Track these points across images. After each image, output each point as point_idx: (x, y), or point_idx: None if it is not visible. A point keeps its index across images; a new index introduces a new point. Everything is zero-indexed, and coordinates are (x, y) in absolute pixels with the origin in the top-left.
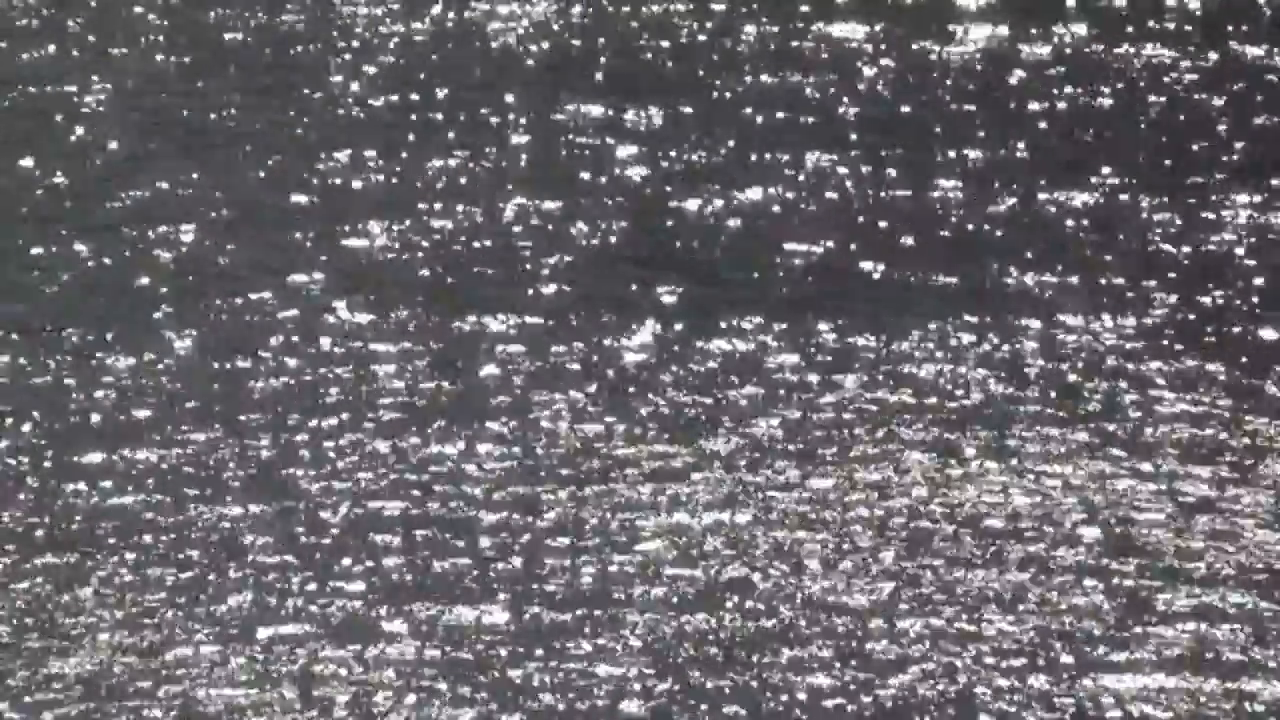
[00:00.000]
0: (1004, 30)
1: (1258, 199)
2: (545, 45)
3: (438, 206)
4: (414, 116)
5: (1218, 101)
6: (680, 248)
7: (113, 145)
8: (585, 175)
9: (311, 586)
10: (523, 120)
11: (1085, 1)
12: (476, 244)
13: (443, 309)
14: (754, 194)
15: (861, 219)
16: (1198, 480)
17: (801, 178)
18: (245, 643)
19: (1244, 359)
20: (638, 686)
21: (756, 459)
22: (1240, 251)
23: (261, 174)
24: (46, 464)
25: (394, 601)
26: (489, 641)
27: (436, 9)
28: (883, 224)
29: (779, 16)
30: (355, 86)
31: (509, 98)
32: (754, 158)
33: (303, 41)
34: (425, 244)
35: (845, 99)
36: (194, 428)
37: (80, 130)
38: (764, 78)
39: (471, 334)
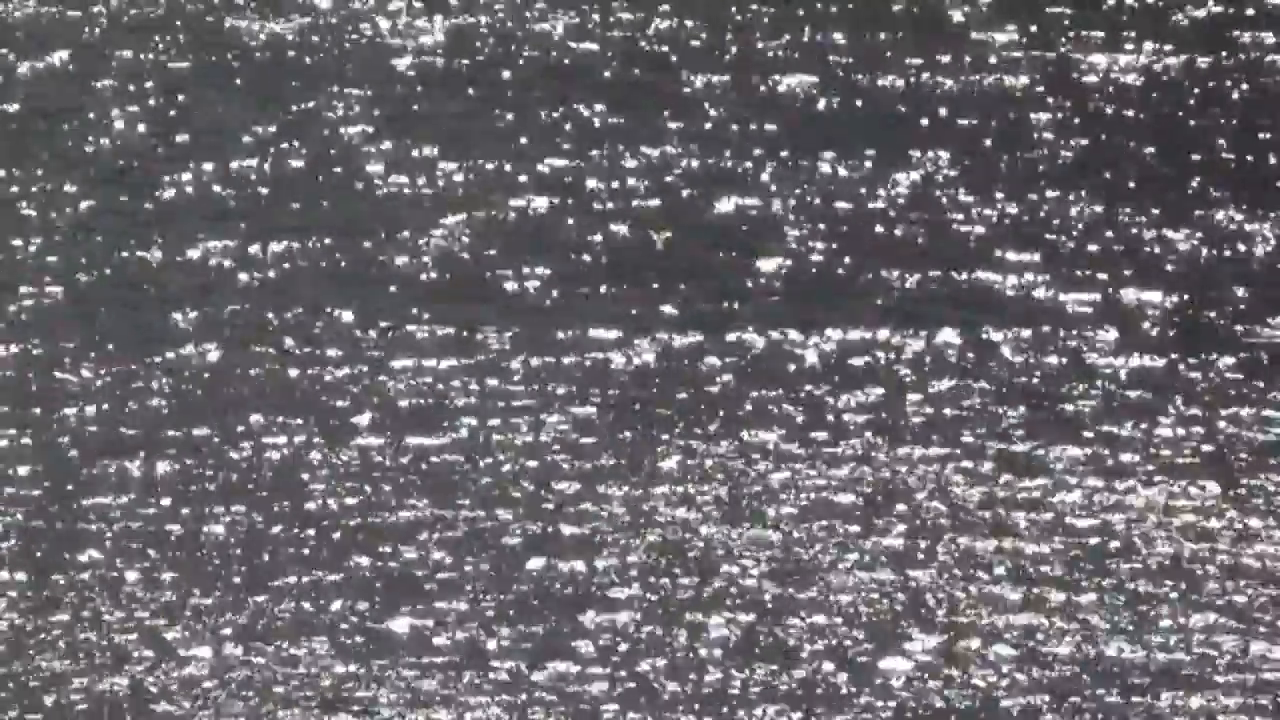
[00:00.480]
0: (1004, 37)
1: (1259, 205)
2: (554, 52)
3: (446, 213)
4: (422, 123)
5: (1218, 107)
6: (688, 254)
7: (122, 152)
8: (593, 182)
9: (322, 592)
10: (532, 127)
11: (1084, 6)
12: (484, 251)
13: (451, 314)
14: (759, 200)
15: (864, 224)
16: (1200, 489)
17: (807, 183)
18: (257, 651)
19: (1246, 367)
20: (647, 693)
21: (762, 465)
22: (1242, 258)
23: (269, 181)
24: (56, 471)
25: (404, 607)
26: (499, 648)
27: (446, 17)
28: (885, 230)
29: (786, 24)
30: (368, 93)
31: (516, 105)
32: (759, 164)
33: (312, 49)
34: (435, 250)
35: (848, 106)
36: (205, 435)
37: (90, 136)
38: (768, 85)
39: (480, 340)
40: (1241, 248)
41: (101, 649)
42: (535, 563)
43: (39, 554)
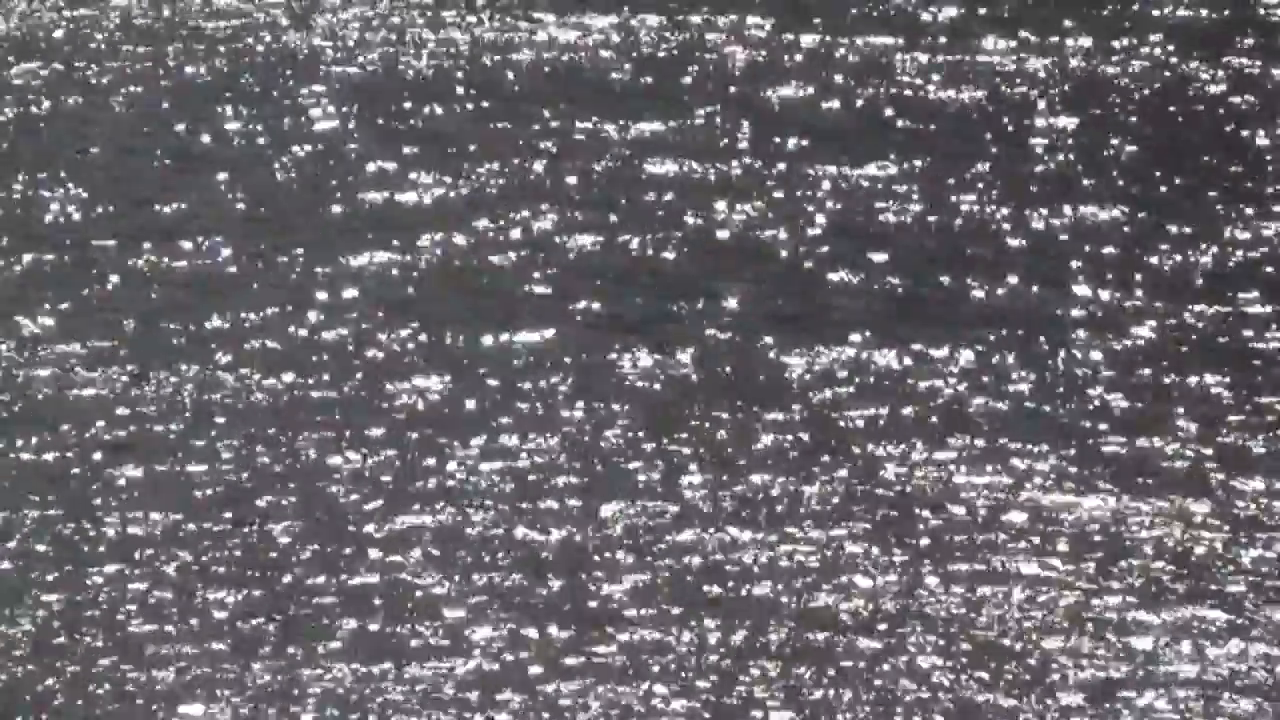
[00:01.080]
0: (1012, 43)
1: (1258, 209)
2: (573, 59)
3: (463, 222)
4: (440, 132)
5: (1223, 114)
6: (700, 263)
7: (123, 159)
8: (613, 191)
9: (340, 599)
10: (550, 135)
11: (1089, 14)
12: (504, 259)
13: (473, 325)
14: (769, 209)
15: (878, 233)
16: (1204, 497)
17: (821, 192)
18: (275, 658)
19: (1252, 375)
20: (660, 702)
21: (774, 473)
22: (1246, 265)
23: (280, 187)
24: (79, 480)
25: (425, 616)
26: (521, 657)
27: (460, 27)
28: (898, 239)
29: (808, 30)
30: (372, 98)
31: (521, 113)
32: (769, 172)
33: (323, 54)
34: (450, 259)
35: (859, 113)
36: (223, 443)
37: (91, 144)
38: (782, 94)
39: (502, 351)
40: (1243, 256)
41: (122, 659)
42: (548, 574)
43: (58, 565)
